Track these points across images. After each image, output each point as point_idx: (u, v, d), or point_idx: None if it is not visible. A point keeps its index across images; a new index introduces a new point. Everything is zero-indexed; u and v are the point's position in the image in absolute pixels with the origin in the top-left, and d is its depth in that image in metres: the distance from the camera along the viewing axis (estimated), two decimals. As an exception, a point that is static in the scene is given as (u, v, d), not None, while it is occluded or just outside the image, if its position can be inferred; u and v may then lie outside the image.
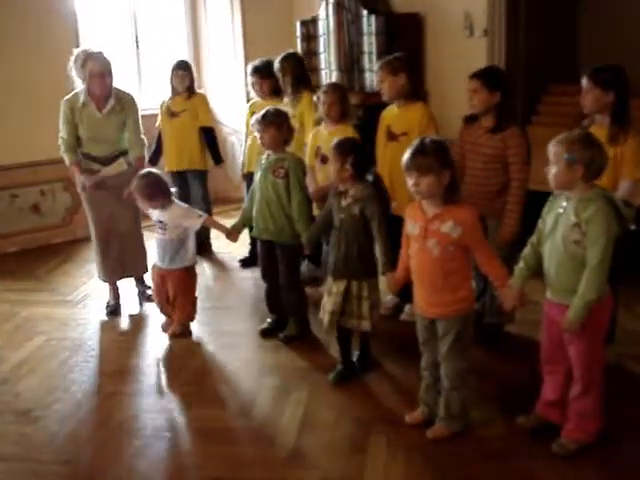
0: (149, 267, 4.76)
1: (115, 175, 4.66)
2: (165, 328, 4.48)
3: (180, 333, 4.42)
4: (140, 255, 4.95)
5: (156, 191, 4.22)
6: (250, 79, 5.35)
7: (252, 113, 5.31)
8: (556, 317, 3.02)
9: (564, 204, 2.93)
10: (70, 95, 4.59)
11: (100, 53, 4.47)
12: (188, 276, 4.40)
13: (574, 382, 3.08)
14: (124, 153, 4.72)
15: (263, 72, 5.24)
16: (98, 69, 4.41)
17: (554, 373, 3.18)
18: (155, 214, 4.33)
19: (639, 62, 5.48)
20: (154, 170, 4.44)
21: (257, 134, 4.17)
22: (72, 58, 4.50)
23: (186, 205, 4.49)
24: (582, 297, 2.86)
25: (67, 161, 4.66)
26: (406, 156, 3.07)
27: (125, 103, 4.63)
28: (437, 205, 3.08)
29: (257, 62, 5.33)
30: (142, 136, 4.79)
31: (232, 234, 4.34)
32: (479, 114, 3.93)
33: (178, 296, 4.35)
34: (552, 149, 2.88)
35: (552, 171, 2.89)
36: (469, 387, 3.31)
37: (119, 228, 4.76)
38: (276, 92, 5.24)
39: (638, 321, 4.33)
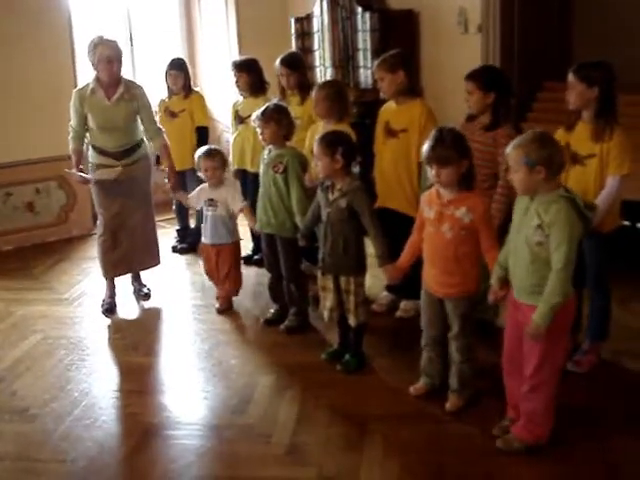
0: (161, 260, 5.06)
1: (130, 165, 4.65)
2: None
3: (227, 308, 4.78)
4: (151, 248, 4.96)
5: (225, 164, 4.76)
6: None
7: (235, 112, 5.37)
8: (519, 317, 3.03)
9: (527, 205, 2.93)
10: (81, 86, 4.63)
11: (113, 41, 4.49)
12: (238, 249, 4.81)
13: (523, 381, 3.06)
14: (138, 145, 4.72)
15: (239, 67, 5.29)
16: (107, 55, 4.42)
17: (515, 376, 3.15)
18: (205, 193, 4.67)
19: (634, 59, 5.51)
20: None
21: (258, 130, 4.25)
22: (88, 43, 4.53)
23: (237, 186, 4.89)
24: (547, 301, 2.85)
25: (70, 146, 4.65)
26: (426, 148, 3.22)
27: (135, 93, 4.63)
28: (453, 191, 3.26)
29: (237, 57, 5.49)
30: (159, 125, 4.87)
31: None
32: (476, 114, 3.97)
33: (232, 269, 4.72)
34: (510, 155, 2.89)
35: (515, 177, 2.90)
36: (476, 358, 3.49)
37: (129, 222, 4.75)
38: (255, 89, 5.28)
39: (633, 317, 4.34)
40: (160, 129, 4.87)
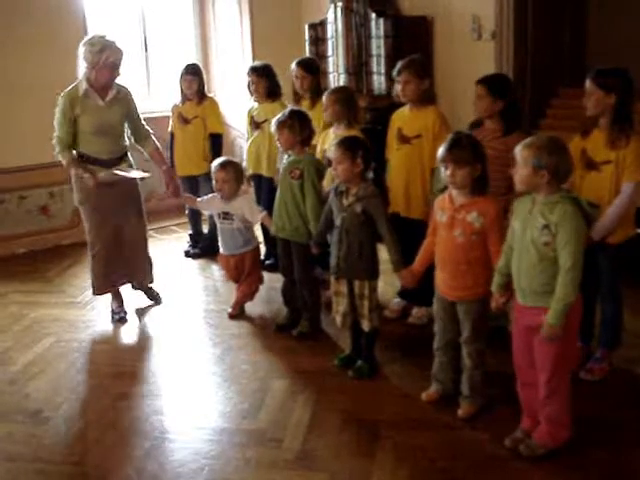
0: (154, 278, 4.99)
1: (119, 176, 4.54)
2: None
3: (239, 312, 4.80)
4: (145, 265, 4.88)
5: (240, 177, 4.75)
6: (247, 79, 5.38)
7: (251, 118, 5.37)
8: (527, 322, 3.04)
9: (530, 207, 2.97)
10: (68, 89, 4.43)
11: (116, 43, 4.35)
12: (258, 253, 4.92)
13: (539, 388, 3.07)
14: (125, 154, 4.63)
15: (259, 72, 5.29)
16: (113, 60, 4.32)
17: (530, 385, 3.14)
18: (218, 206, 4.69)
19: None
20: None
21: (275, 136, 4.28)
22: (86, 41, 4.36)
23: (252, 197, 4.86)
24: (561, 300, 2.87)
25: (65, 161, 4.45)
26: (443, 149, 3.26)
27: (125, 94, 4.58)
28: (465, 195, 3.28)
29: (255, 63, 5.49)
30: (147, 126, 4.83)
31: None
32: (483, 119, 3.99)
33: (252, 273, 4.77)
34: (521, 152, 2.94)
35: (519, 173, 2.95)
36: (487, 365, 3.47)
37: (125, 236, 4.67)
38: (271, 94, 5.29)
39: (647, 325, 4.32)
40: (150, 130, 4.80)
